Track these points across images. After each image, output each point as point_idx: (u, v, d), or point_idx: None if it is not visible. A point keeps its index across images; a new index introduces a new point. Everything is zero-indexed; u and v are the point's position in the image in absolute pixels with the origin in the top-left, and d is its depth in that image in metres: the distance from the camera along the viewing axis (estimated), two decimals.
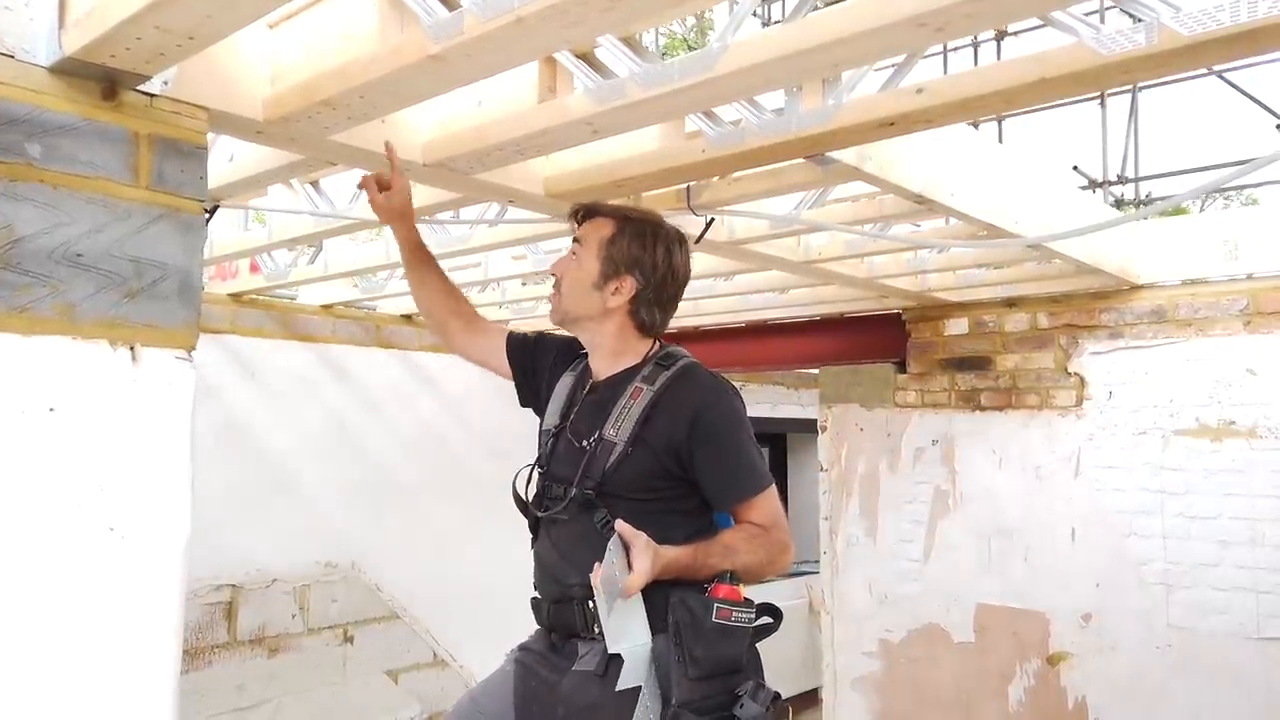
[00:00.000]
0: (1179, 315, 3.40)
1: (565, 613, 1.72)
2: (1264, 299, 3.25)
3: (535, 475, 1.83)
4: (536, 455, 1.86)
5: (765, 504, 1.72)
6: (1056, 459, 3.64)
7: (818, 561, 4.49)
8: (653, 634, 1.63)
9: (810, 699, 5.92)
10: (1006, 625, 3.73)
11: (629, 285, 1.78)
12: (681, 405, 1.70)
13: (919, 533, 3.99)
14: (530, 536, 1.84)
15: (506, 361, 2.00)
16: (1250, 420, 3.23)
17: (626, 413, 1.71)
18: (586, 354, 1.89)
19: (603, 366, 1.83)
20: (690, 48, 12.20)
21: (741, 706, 1.57)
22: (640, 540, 1.58)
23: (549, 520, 1.76)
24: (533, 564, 1.84)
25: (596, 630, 1.66)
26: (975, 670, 3.80)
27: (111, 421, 1.43)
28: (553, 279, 1.86)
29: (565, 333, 1.93)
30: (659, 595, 1.62)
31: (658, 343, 1.85)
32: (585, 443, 1.73)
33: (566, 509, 1.70)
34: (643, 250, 1.79)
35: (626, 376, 1.78)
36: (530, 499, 1.81)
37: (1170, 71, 1.50)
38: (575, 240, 1.84)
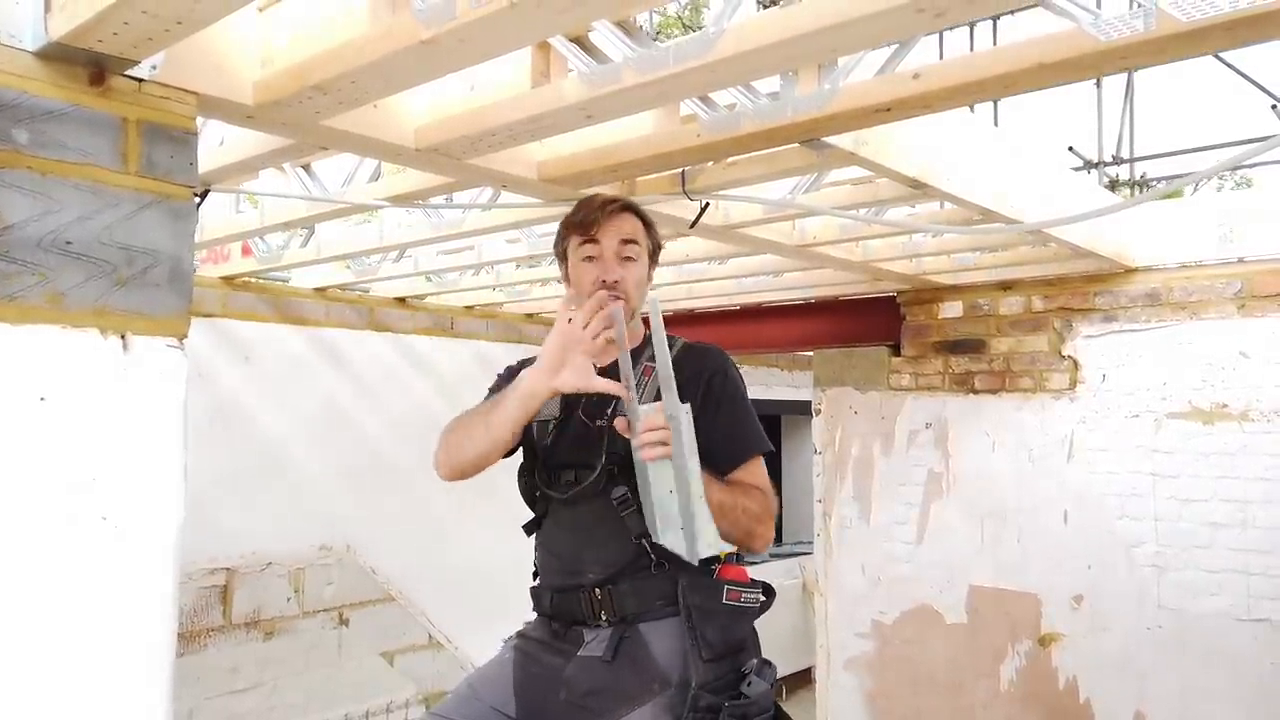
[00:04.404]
0: (1173, 298, 3.40)
1: (570, 601, 1.72)
2: (1257, 282, 3.25)
3: (536, 465, 1.83)
4: (533, 448, 1.84)
5: (763, 469, 1.76)
6: (1050, 442, 3.65)
7: (811, 542, 4.52)
8: (662, 619, 1.65)
9: (803, 678, 5.98)
10: (999, 606, 3.75)
11: (654, 272, 1.87)
12: (695, 374, 1.74)
13: (912, 515, 4.01)
14: (533, 527, 1.84)
15: None
16: (1242, 403, 3.24)
17: (644, 390, 1.74)
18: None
19: (604, 354, 1.84)
20: (685, 26, 12.11)
21: (749, 684, 1.60)
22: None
23: (562, 504, 1.75)
24: (538, 553, 1.84)
25: (603, 617, 1.67)
26: (967, 651, 3.83)
27: (103, 411, 1.42)
28: (605, 284, 1.76)
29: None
30: (667, 579, 1.64)
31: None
32: (599, 422, 1.73)
33: (590, 486, 1.69)
34: (659, 236, 1.87)
35: (632, 357, 1.80)
36: (536, 489, 1.82)
37: (1170, 58, 1.49)
38: (626, 241, 1.78)
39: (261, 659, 3.80)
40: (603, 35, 1.66)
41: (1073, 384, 3.61)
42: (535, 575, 1.84)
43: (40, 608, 1.35)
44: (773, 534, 1.72)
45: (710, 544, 1.53)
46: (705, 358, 1.80)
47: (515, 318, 4.96)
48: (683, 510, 1.53)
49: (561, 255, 1.86)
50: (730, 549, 1.62)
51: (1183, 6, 1.36)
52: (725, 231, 2.70)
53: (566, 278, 1.85)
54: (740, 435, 1.75)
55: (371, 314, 4.35)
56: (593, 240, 1.78)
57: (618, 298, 1.71)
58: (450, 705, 1.80)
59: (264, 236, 3.37)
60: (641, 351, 1.81)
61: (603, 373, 1.79)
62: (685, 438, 1.53)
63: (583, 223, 1.79)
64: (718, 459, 1.70)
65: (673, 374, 1.56)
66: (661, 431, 1.54)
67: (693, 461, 1.53)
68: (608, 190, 2.28)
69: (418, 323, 4.51)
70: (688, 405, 1.56)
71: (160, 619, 1.47)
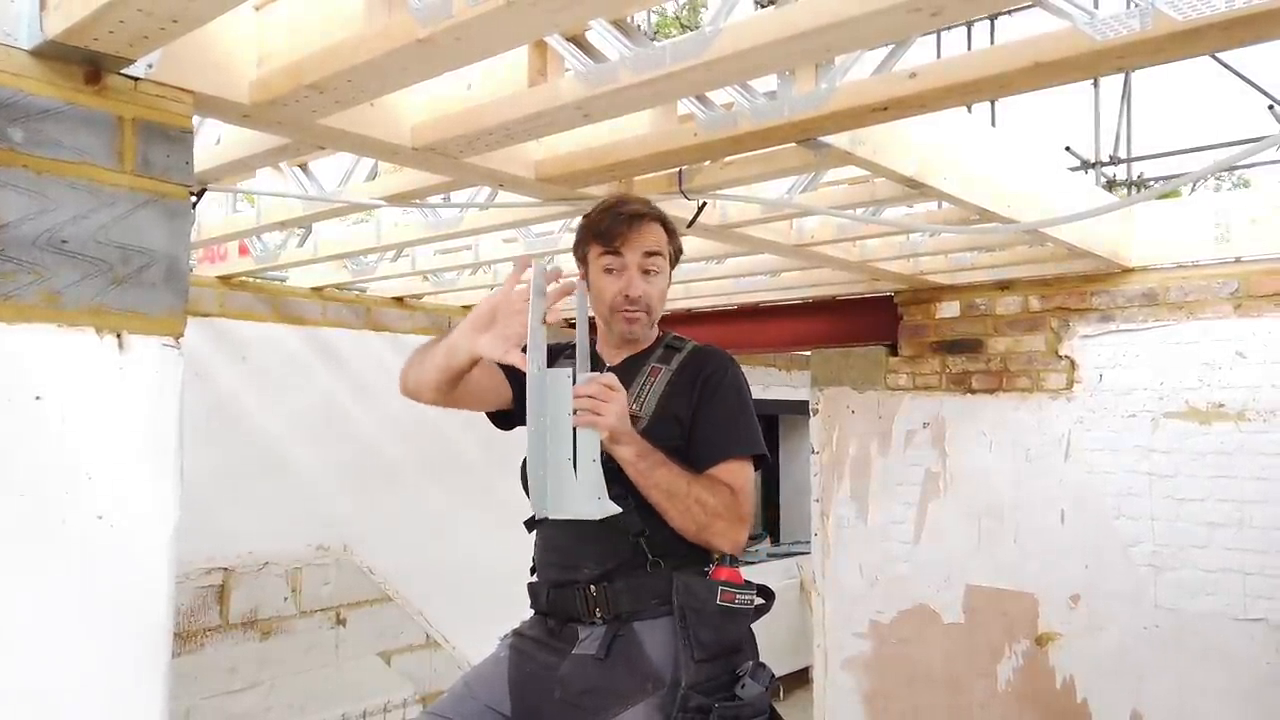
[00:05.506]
0: (1170, 298, 3.40)
1: (565, 598, 1.72)
2: (1254, 282, 3.25)
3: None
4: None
5: (741, 470, 1.73)
6: (1047, 441, 3.65)
7: (809, 542, 4.52)
8: (656, 618, 1.64)
9: (801, 678, 5.98)
10: (996, 606, 3.76)
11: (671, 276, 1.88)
12: (695, 375, 1.76)
13: (910, 514, 4.01)
14: (534, 523, 1.84)
15: (506, 385, 1.89)
16: (1239, 403, 3.24)
17: (649, 390, 1.75)
18: (571, 346, 1.91)
19: (615, 353, 1.86)
20: (682, 25, 12.11)
21: (743, 686, 1.60)
22: (621, 391, 1.59)
23: None
24: (536, 549, 1.84)
25: (598, 615, 1.67)
26: (965, 650, 3.83)
27: (99, 410, 1.42)
28: (628, 298, 1.78)
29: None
30: (662, 579, 1.64)
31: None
32: None
33: None
34: (679, 241, 1.87)
35: (640, 359, 1.82)
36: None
37: (1167, 58, 1.49)
38: (649, 254, 1.79)
39: (259, 659, 3.80)
40: (600, 34, 1.66)
41: (1070, 384, 3.61)
42: (533, 571, 1.85)
43: (35, 607, 1.35)
44: (741, 536, 1.69)
45: (561, 507, 1.54)
46: (709, 359, 1.81)
47: None
48: (547, 467, 1.54)
49: (581, 259, 1.85)
50: (590, 514, 1.54)
51: (1179, 6, 1.36)
52: (722, 231, 2.70)
53: (585, 278, 1.85)
54: (722, 434, 1.73)
55: (369, 313, 4.35)
56: (615, 253, 1.77)
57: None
58: (446, 704, 1.80)
59: (261, 236, 3.36)
60: (650, 353, 1.82)
61: (614, 370, 1.78)
62: (554, 398, 1.54)
63: (607, 233, 1.78)
64: (697, 454, 1.71)
65: (544, 340, 1.56)
66: (589, 400, 1.54)
67: (564, 424, 1.54)
68: (605, 190, 2.28)
69: (415, 322, 4.51)
70: (567, 370, 1.57)
71: (157, 618, 1.47)
